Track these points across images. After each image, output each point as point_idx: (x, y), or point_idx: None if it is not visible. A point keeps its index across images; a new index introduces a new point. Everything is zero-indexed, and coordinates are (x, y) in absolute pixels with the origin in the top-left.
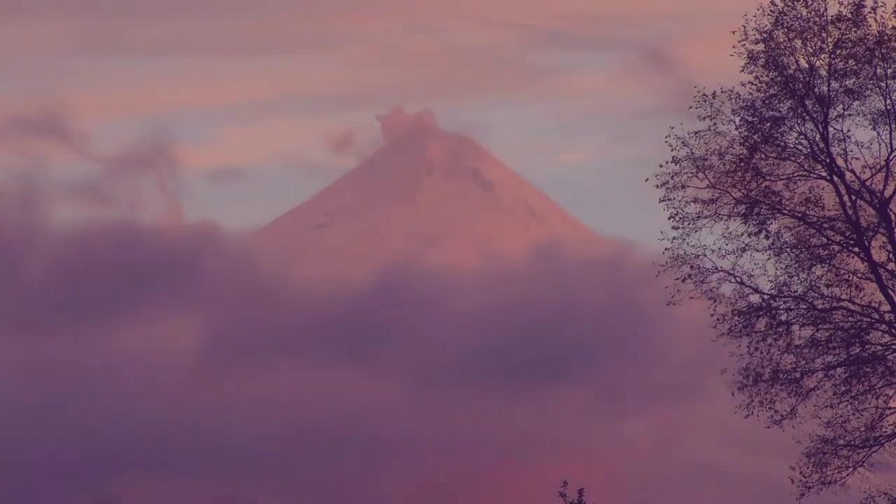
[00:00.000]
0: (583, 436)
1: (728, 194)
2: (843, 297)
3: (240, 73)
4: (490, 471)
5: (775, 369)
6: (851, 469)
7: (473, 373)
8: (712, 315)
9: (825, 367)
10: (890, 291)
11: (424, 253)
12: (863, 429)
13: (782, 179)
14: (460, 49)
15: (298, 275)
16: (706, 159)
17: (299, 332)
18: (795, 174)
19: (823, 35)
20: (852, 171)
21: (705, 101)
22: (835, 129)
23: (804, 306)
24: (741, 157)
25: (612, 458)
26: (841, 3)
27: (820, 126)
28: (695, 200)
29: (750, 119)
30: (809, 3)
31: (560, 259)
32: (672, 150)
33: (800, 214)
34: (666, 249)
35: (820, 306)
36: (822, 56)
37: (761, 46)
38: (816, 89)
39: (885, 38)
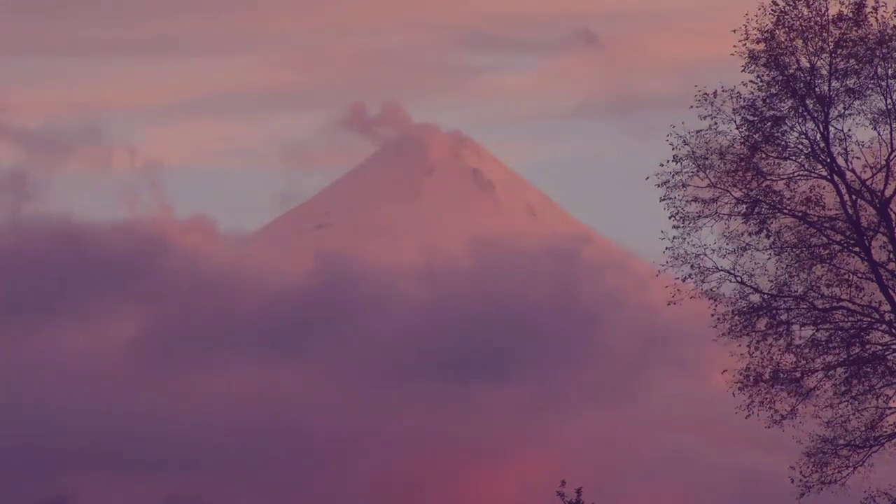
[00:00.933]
0: (521, 435)
1: (729, 193)
2: (844, 296)
3: (153, 74)
4: (429, 468)
5: (775, 369)
6: (851, 469)
7: (414, 369)
8: (713, 315)
9: (825, 366)
10: (890, 291)
11: (365, 249)
12: (863, 429)
13: (783, 179)
14: (383, 50)
15: (245, 271)
16: (707, 158)
17: (246, 328)
18: (796, 174)
19: (824, 34)
20: (853, 171)
21: (706, 100)
22: (835, 128)
23: (804, 306)
24: (742, 156)
25: (549, 456)
26: (842, 3)
27: (821, 125)
28: (695, 199)
29: (751, 118)
30: (811, 2)
31: (502, 253)
32: (673, 148)
33: (800, 214)
34: (666, 249)
35: (820, 306)
36: (823, 55)
37: (762, 46)
38: (817, 89)
39: (886, 37)
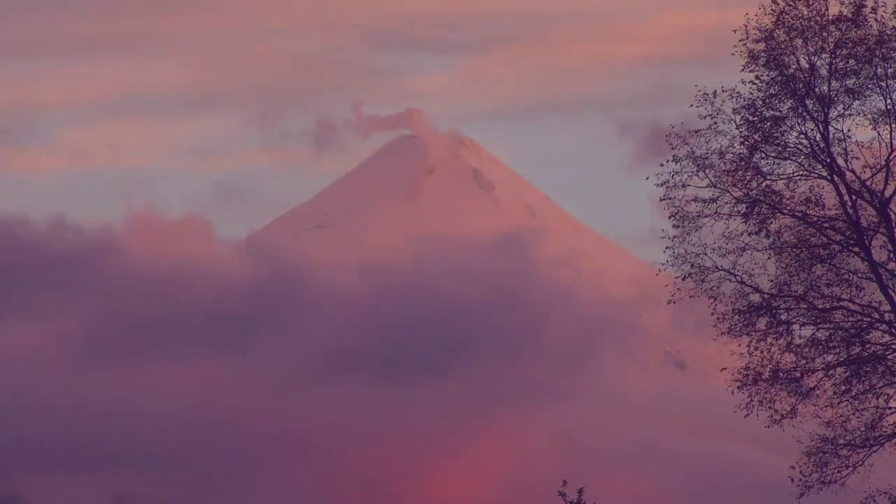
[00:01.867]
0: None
1: (728, 193)
2: (844, 296)
3: (72, 73)
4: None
5: (775, 368)
6: (851, 469)
7: (353, 366)
8: (713, 314)
9: (825, 366)
10: (890, 291)
11: (317, 240)
12: (863, 428)
13: (783, 179)
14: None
15: (191, 272)
16: (707, 158)
17: (189, 327)
18: (796, 174)
19: (824, 34)
20: (853, 171)
21: (706, 100)
22: (835, 128)
23: (804, 306)
24: (741, 156)
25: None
26: (842, 3)
27: (820, 126)
28: (695, 199)
29: (750, 118)
30: (810, 2)
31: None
32: (672, 148)
33: (800, 214)
34: (666, 248)
35: (820, 306)
36: (823, 55)
37: (762, 45)
38: (817, 89)
39: (886, 37)
